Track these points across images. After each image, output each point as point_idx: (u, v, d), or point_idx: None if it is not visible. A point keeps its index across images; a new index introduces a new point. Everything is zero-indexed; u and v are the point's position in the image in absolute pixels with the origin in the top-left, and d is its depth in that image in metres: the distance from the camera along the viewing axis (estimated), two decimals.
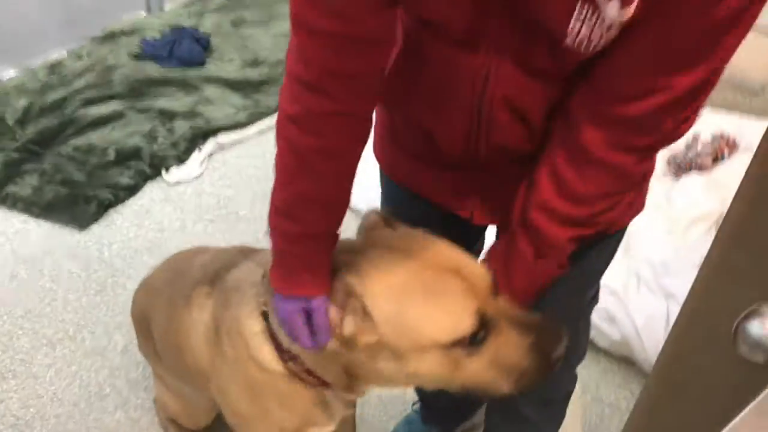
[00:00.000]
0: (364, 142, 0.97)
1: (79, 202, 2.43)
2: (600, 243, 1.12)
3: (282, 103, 0.91)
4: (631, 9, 0.74)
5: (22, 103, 2.84)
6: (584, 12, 0.76)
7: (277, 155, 0.95)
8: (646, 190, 1.11)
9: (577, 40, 0.79)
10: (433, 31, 0.90)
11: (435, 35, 0.90)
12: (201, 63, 3.15)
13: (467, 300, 0.91)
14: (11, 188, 2.48)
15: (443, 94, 0.95)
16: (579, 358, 1.36)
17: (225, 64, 3.17)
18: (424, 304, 0.91)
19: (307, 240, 0.96)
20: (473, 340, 0.91)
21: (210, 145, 2.71)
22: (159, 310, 1.39)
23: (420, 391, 1.68)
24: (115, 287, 2.16)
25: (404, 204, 1.18)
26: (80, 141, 2.68)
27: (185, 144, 2.67)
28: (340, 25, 0.83)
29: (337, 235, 1.01)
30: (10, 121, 2.74)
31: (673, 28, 0.75)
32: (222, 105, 2.89)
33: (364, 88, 0.91)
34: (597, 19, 0.76)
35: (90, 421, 1.81)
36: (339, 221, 1.00)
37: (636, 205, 1.11)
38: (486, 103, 0.91)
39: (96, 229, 2.39)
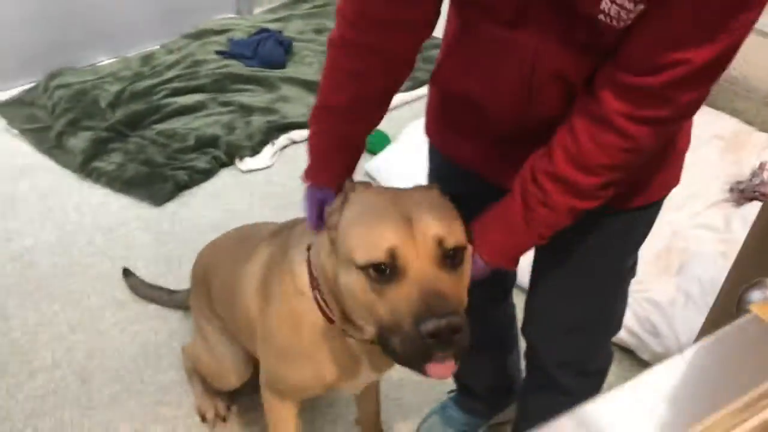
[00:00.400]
0: (395, 79, 1.14)
1: (157, 181, 2.59)
2: (628, 214, 1.16)
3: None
4: None
5: (115, 88, 3.05)
6: None
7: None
8: (680, 165, 1.16)
9: (610, 16, 0.85)
10: (482, 12, 0.98)
11: (485, 16, 0.98)
12: (282, 64, 3.30)
13: (389, 237, 0.97)
14: (97, 163, 2.67)
15: (495, 71, 1.02)
16: (613, 330, 1.39)
17: (304, 66, 3.31)
18: (364, 225, 1.01)
19: (331, 139, 1.18)
20: (381, 273, 0.97)
21: (282, 139, 2.85)
22: (222, 266, 1.53)
23: (457, 378, 1.73)
24: (181, 259, 2.30)
25: (456, 180, 1.24)
26: (164, 126, 2.86)
27: (260, 136, 2.81)
28: None
29: (358, 146, 1.23)
30: (103, 104, 2.95)
31: (693, 4, 0.80)
32: (297, 103, 3.03)
33: (401, 33, 1.06)
34: None
35: (145, 376, 1.93)
36: (361, 133, 1.21)
37: (669, 180, 1.15)
38: (535, 78, 0.99)
39: (170, 206, 2.55)
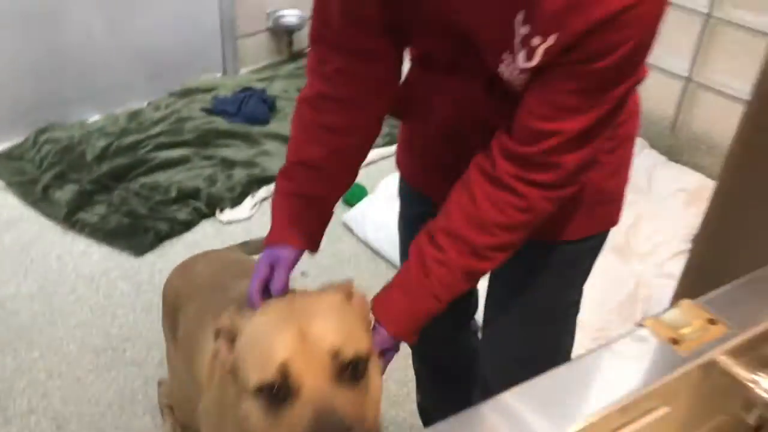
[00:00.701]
0: (368, 136, 1.17)
1: (138, 232, 2.66)
2: (569, 246, 1.23)
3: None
4: (534, 62, 0.90)
5: (102, 143, 3.14)
6: (507, 59, 0.93)
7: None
8: (620, 201, 1.25)
9: (506, 79, 0.97)
10: (425, 59, 1.12)
11: (427, 63, 1.12)
12: (265, 121, 3.42)
13: (280, 353, 0.90)
14: (81, 215, 2.74)
15: (430, 109, 1.15)
16: (561, 363, 1.44)
17: (287, 123, 3.41)
18: (258, 344, 0.95)
19: (301, 197, 1.14)
20: (273, 396, 0.90)
21: (262, 191, 2.93)
22: (191, 307, 1.44)
23: (424, 412, 1.77)
24: (159, 308, 2.35)
25: (413, 202, 1.38)
26: (147, 179, 2.94)
27: (240, 188, 2.90)
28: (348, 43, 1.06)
29: (328, 209, 1.19)
30: (89, 157, 3.04)
31: (563, 79, 0.89)
32: (278, 157, 3.13)
33: (367, 85, 1.11)
34: (513, 65, 0.93)
35: (120, 422, 1.97)
36: (332, 194, 1.18)
37: (610, 215, 1.25)
38: (462, 119, 1.11)
39: (150, 257, 2.61)
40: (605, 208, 1.24)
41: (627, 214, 2.60)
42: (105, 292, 2.44)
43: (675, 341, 0.65)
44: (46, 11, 3.15)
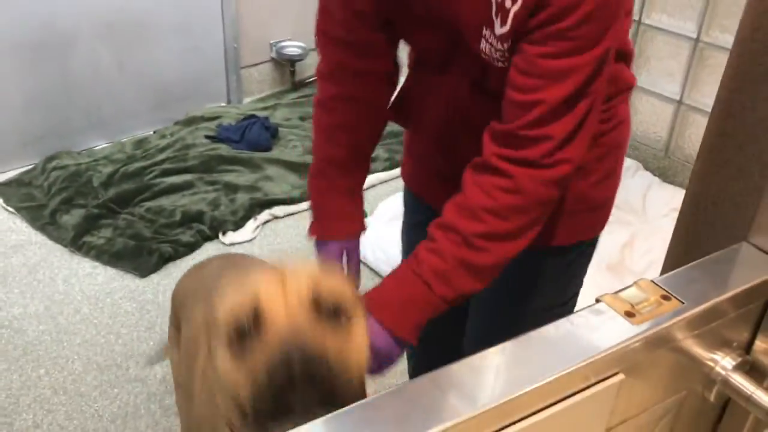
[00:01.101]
0: (377, 127, 1.29)
1: (143, 254, 2.73)
2: (555, 253, 1.28)
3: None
4: (507, 26, 0.96)
5: (108, 169, 3.23)
6: (487, 33, 1.00)
7: (312, 134, 1.30)
8: (608, 207, 1.29)
9: (486, 54, 1.02)
10: (421, 60, 1.22)
11: (422, 63, 1.21)
12: (268, 147, 3.50)
13: (253, 286, 0.84)
14: (88, 238, 2.81)
15: (424, 108, 1.23)
16: None
17: (289, 150, 3.51)
18: (227, 289, 0.88)
19: (339, 189, 1.27)
20: (242, 335, 0.83)
21: (265, 214, 3.00)
22: (198, 309, 1.38)
23: None
24: (162, 326, 2.40)
25: (415, 209, 1.45)
26: (152, 204, 3.02)
27: (243, 212, 2.97)
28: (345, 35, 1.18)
29: (361, 195, 1.31)
30: (96, 183, 3.12)
31: (537, 45, 0.94)
32: (280, 182, 3.20)
33: (367, 81, 1.22)
34: (492, 37, 0.99)
35: None
36: (360, 182, 1.31)
37: (598, 221, 1.28)
38: (453, 118, 1.18)
39: (154, 277, 2.67)
40: (592, 215, 1.28)
41: (622, 233, 2.70)
42: (110, 311, 2.49)
43: (630, 314, 0.70)
44: (56, 43, 3.26)
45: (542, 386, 0.63)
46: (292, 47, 4.04)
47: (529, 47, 0.95)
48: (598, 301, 0.73)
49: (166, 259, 2.74)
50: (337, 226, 1.28)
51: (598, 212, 1.30)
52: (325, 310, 0.84)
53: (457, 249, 1.01)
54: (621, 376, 0.69)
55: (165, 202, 3.04)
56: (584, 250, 1.34)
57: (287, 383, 0.76)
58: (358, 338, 0.88)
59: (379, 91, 1.26)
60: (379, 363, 1.04)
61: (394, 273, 1.08)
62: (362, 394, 0.89)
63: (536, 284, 1.32)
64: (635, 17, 3.05)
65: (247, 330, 0.82)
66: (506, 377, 0.66)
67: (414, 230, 1.21)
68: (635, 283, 0.76)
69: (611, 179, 1.27)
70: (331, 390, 0.78)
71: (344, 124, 1.25)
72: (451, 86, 1.16)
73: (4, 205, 3.03)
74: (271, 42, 4.04)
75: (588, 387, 0.67)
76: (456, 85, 1.15)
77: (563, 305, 1.39)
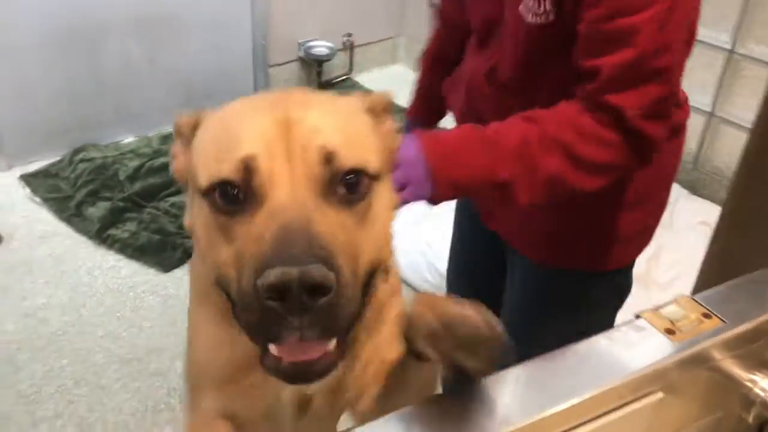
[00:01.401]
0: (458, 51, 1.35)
1: (167, 249, 2.74)
2: (578, 277, 1.27)
3: None
4: None
5: (134, 163, 3.25)
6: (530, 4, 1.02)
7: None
8: (643, 240, 1.28)
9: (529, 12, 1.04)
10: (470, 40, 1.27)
11: (469, 43, 1.27)
12: None
13: (247, 143, 0.65)
14: (112, 231, 2.83)
15: (457, 99, 1.28)
16: None
17: None
18: (219, 135, 0.71)
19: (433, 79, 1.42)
20: (229, 199, 0.65)
21: None
22: None
23: None
24: (184, 321, 2.40)
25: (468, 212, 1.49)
26: (177, 199, 3.03)
27: None
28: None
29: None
30: (122, 177, 3.14)
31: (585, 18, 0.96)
32: None
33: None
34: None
35: (143, 431, 2.02)
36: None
37: (628, 251, 1.27)
38: (471, 113, 1.21)
39: (177, 272, 2.68)
40: (629, 245, 1.27)
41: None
42: (132, 305, 2.50)
43: (670, 331, 0.69)
44: (87, 37, 3.29)
45: (580, 402, 0.62)
46: (320, 47, 4.05)
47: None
48: (638, 316, 0.72)
49: (189, 255, 2.74)
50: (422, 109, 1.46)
51: (624, 243, 1.27)
52: (339, 181, 0.66)
53: (529, 134, 0.97)
54: (660, 395, 0.67)
55: None
56: (599, 280, 1.31)
57: (278, 293, 0.57)
58: (381, 221, 0.71)
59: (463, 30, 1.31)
60: (400, 187, 0.92)
61: (456, 127, 1.09)
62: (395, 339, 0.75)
63: (546, 304, 1.33)
64: None
65: (236, 200, 0.65)
66: (540, 394, 0.64)
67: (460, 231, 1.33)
68: (675, 299, 0.74)
69: (634, 213, 1.24)
70: (322, 285, 0.57)
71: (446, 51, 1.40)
72: (471, 70, 1.20)
73: (32, 195, 3.06)
74: (300, 41, 4.04)
75: (626, 404, 0.66)
76: (475, 70, 1.18)
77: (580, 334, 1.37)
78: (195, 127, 0.77)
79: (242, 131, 0.67)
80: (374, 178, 0.69)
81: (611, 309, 1.37)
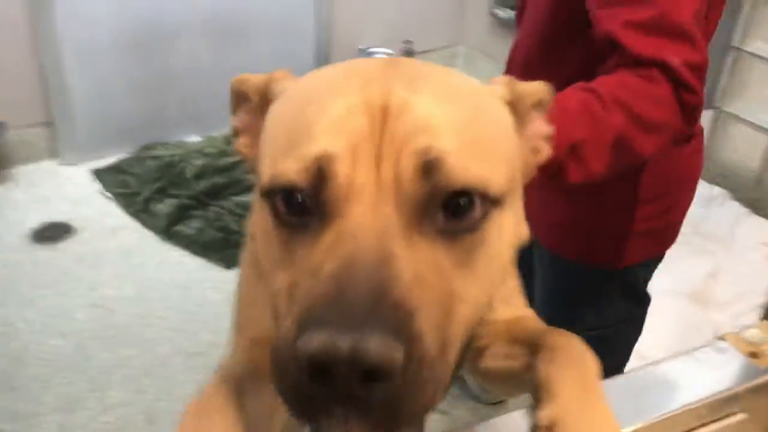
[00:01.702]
0: None
1: (231, 246, 2.83)
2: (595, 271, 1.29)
3: None
4: None
5: (200, 162, 3.35)
6: None
7: None
8: (668, 236, 1.29)
9: None
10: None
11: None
12: None
13: (321, 137, 0.49)
14: (179, 227, 2.94)
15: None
16: None
17: None
18: (288, 121, 0.54)
19: None
20: (294, 207, 0.50)
21: None
22: None
23: None
24: None
25: None
26: (241, 199, 3.13)
27: None
28: None
29: None
30: (188, 175, 3.25)
31: None
32: None
33: None
34: None
35: None
36: None
37: (648, 247, 1.28)
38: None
39: None
40: (628, 242, 1.26)
41: (705, 262, 2.66)
42: (197, 300, 2.59)
43: (754, 355, 0.72)
44: (158, 38, 3.41)
45: (666, 418, 0.65)
46: (380, 53, 4.10)
47: None
48: (721, 339, 0.75)
49: None
50: None
51: (668, 230, 1.29)
52: (445, 200, 0.48)
53: (588, 98, 0.89)
54: (741, 416, 0.70)
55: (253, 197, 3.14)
56: (602, 275, 1.32)
57: (320, 369, 0.42)
58: (488, 261, 0.51)
59: None
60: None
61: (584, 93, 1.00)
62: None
63: (560, 296, 1.36)
64: (733, 43, 2.99)
65: (302, 203, 0.50)
66: (619, 411, 0.68)
67: None
68: (758, 324, 0.77)
69: (645, 209, 1.24)
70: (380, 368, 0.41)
71: None
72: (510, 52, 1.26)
73: (102, 190, 3.18)
74: (360, 47, 4.11)
75: (706, 424, 0.69)
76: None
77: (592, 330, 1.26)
78: (266, 94, 0.62)
79: (320, 117, 0.50)
80: (495, 202, 0.50)
81: (621, 310, 1.37)
